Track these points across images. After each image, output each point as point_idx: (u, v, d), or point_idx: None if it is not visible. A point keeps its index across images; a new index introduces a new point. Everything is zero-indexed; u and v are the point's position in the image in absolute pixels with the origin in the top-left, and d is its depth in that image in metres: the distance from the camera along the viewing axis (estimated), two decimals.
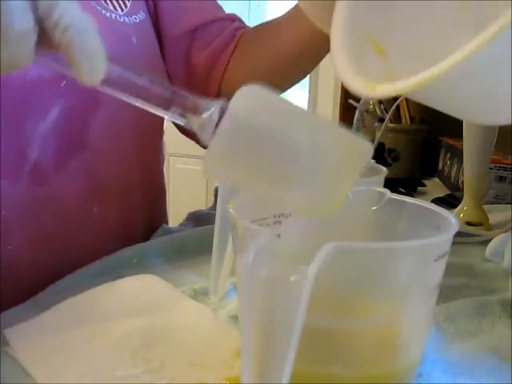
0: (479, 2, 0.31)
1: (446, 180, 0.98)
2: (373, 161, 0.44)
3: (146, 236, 0.57)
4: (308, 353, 0.25)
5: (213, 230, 0.40)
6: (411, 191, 0.90)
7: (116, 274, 0.45)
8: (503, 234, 0.53)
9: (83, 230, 0.52)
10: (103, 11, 0.51)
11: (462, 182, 0.74)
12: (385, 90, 0.26)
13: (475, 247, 0.56)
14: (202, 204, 1.86)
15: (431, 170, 1.08)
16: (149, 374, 0.31)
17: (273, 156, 0.27)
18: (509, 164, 0.83)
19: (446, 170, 0.98)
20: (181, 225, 0.64)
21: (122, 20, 0.53)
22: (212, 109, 0.28)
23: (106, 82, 0.27)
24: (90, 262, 0.47)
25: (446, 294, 0.34)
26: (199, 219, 0.64)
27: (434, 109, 0.28)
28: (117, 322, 0.37)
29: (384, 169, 0.42)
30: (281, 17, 0.58)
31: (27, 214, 0.47)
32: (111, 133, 0.52)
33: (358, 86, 0.28)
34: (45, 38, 0.26)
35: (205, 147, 0.28)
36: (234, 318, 0.38)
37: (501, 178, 0.83)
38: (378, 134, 0.89)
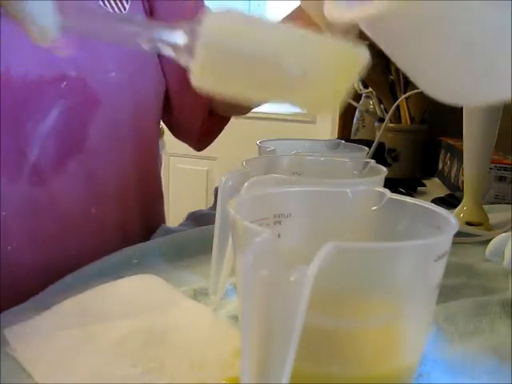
0: None
1: (445, 180, 0.98)
2: (373, 161, 0.44)
3: (144, 237, 0.57)
4: (308, 353, 0.25)
5: (213, 229, 0.39)
6: (411, 191, 0.90)
7: (116, 274, 0.45)
8: (503, 234, 0.52)
9: (82, 231, 0.52)
10: None
11: (462, 182, 0.74)
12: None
13: (475, 247, 0.56)
14: (202, 204, 1.86)
15: (431, 170, 1.08)
16: (149, 374, 0.31)
17: (259, 62, 0.27)
18: (509, 164, 0.82)
19: (446, 170, 0.98)
20: (181, 225, 0.64)
21: None
22: (181, 31, 0.28)
23: (67, 31, 0.28)
24: (90, 262, 0.47)
25: (446, 293, 0.34)
26: (199, 219, 0.64)
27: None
28: (117, 322, 0.37)
29: (384, 169, 0.42)
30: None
31: (26, 214, 0.47)
32: (110, 134, 0.52)
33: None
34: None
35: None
36: (234, 318, 0.38)
37: (501, 178, 0.83)
38: (378, 134, 0.89)
